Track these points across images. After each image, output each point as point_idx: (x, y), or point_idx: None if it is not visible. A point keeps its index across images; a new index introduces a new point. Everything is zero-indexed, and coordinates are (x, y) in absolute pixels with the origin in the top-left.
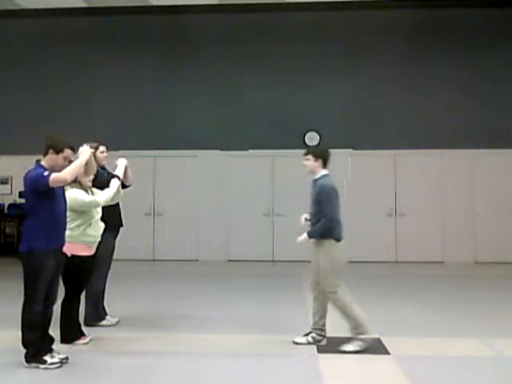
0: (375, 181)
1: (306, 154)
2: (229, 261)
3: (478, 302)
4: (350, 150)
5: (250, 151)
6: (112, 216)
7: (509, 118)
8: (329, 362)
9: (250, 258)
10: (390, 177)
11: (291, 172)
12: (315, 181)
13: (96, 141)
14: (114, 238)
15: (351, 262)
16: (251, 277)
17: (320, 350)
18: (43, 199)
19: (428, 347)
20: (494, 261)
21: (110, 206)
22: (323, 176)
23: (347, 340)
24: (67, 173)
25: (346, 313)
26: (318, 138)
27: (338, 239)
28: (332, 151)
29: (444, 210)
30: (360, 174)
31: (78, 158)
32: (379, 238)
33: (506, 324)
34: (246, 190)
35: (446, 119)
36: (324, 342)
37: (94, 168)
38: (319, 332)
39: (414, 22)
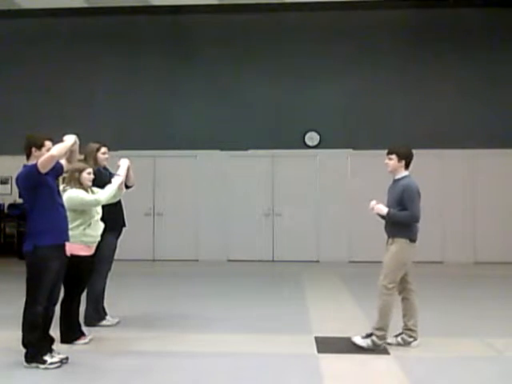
0: (375, 181)
1: (390, 153)
2: (229, 261)
3: (477, 302)
4: (350, 150)
5: (250, 151)
6: (115, 216)
7: (509, 118)
8: (329, 361)
9: (250, 258)
10: (390, 177)
11: (291, 172)
12: (396, 181)
13: (97, 142)
14: (117, 238)
15: (351, 261)
16: (251, 277)
17: (320, 350)
18: (39, 193)
19: (428, 347)
20: (494, 261)
21: (113, 206)
22: (405, 177)
23: (364, 335)
24: (52, 150)
25: (384, 314)
26: (318, 138)
27: (413, 240)
28: (332, 151)
29: (444, 210)
30: (360, 173)
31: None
32: (380, 237)
33: (506, 324)
34: (246, 190)
35: (445, 119)
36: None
37: (77, 156)
38: (409, 333)
39: (414, 21)
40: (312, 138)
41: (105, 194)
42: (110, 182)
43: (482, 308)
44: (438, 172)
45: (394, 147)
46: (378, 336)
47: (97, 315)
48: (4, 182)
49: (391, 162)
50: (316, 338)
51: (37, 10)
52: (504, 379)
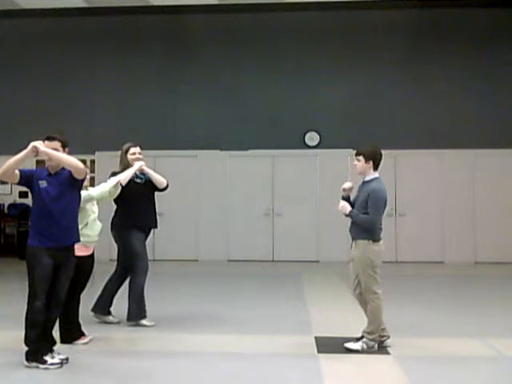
0: None
1: (358, 155)
2: (229, 261)
3: (477, 302)
4: (350, 150)
5: (250, 151)
6: (145, 216)
7: (509, 118)
8: (329, 362)
9: (250, 258)
10: (390, 177)
11: (291, 172)
12: (365, 183)
13: (131, 142)
14: (145, 238)
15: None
16: (251, 277)
17: (320, 350)
18: (32, 197)
19: (428, 347)
20: (493, 261)
21: (145, 206)
22: (374, 179)
23: (354, 339)
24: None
25: (376, 317)
26: (318, 138)
27: (376, 240)
28: (332, 151)
29: (444, 210)
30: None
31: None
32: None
33: (506, 324)
34: (246, 190)
35: (445, 119)
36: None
37: (63, 161)
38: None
39: (414, 21)
40: (312, 138)
41: (97, 190)
42: (133, 182)
43: (482, 308)
44: (438, 172)
45: (361, 148)
46: (369, 338)
47: (140, 312)
48: (4, 181)
49: (359, 164)
50: (316, 338)
51: (37, 9)
52: (504, 379)
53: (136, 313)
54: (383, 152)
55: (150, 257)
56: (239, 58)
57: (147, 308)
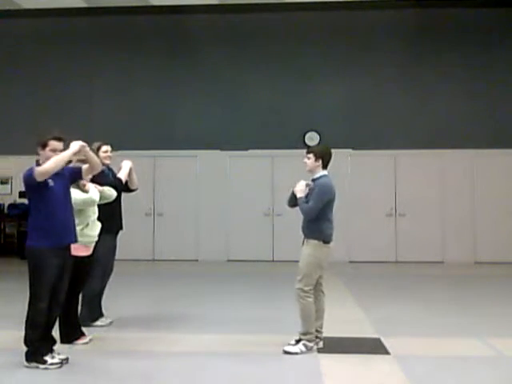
0: (375, 181)
1: (308, 153)
2: (229, 261)
3: (477, 302)
4: (350, 150)
5: (250, 151)
6: (111, 218)
7: (509, 118)
8: (329, 362)
9: (250, 258)
10: (390, 177)
11: (291, 172)
12: (314, 180)
13: (100, 141)
14: (114, 240)
15: (351, 262)
16: (251, 277)
17: (320, 350)
18: (38, 196)
19: (428, 347)
20: (494, 261)
21: (110, 208)
22: (322, 176)
23: (294, 342)
24: (48, 163)
25: (307, 317)
26: (318, 138)
27: (327, 241)
28: (332, 151)
29: (444, 210)
30: (360, 174)
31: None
32: (379, 237)
33: (506, 324)
34: (246, 190)
35: (446, 119)
36: (321, 345)
37: (97, 162)
38: (316, 334)
39: (414, 21)
40: (312, 138)
41: (98, 195)
42: (112, 182)
43: (482, 308)
44: (437, 172)
45: (313, 147)
46: (306, 339)
47: (91, 315)
48: (4, 182)
49: (309, 162)
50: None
51: (37, 9)
52: (504, 379)
53: (88, 316)
54: (383, 152)
55: (149, 257)
56: (239, 58)
57: (147, 308)
